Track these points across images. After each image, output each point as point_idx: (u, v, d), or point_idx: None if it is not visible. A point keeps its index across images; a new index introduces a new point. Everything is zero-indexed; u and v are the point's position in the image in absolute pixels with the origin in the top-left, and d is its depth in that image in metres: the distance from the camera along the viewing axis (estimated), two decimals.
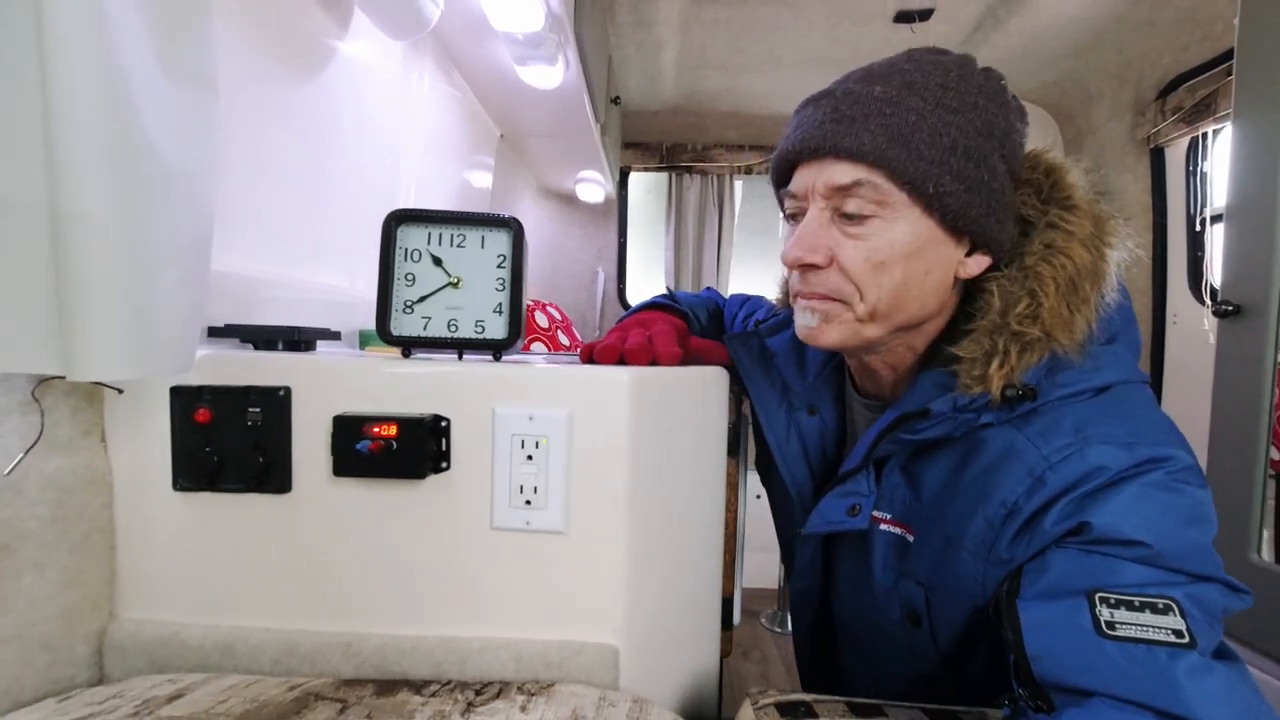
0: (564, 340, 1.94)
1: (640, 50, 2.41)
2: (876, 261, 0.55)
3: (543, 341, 1.85)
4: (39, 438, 0.54)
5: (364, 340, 1.03)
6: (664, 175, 3.20)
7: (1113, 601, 0.45)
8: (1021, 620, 0.47)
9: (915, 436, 0.57)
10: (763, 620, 2.36)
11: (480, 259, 0.65)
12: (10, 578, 0.52)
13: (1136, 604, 0.45)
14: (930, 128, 0.54)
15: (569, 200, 3.13)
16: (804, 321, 0.60)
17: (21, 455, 0.52)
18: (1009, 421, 0.55)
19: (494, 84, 1.68)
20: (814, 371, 0.72)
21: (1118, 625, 0.44)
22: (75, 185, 0.46)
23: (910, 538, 0.60)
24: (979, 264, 0.58)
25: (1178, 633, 0.43)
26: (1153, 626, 0.44)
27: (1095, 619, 0.45)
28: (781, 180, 0.62)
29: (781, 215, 0.64)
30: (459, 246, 0.65)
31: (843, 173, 0.55)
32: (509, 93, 1.72)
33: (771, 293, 0.89)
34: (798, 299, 0.61)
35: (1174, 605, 0.45)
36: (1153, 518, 0.48)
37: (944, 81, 0.55)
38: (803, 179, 0.58)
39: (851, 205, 0.55)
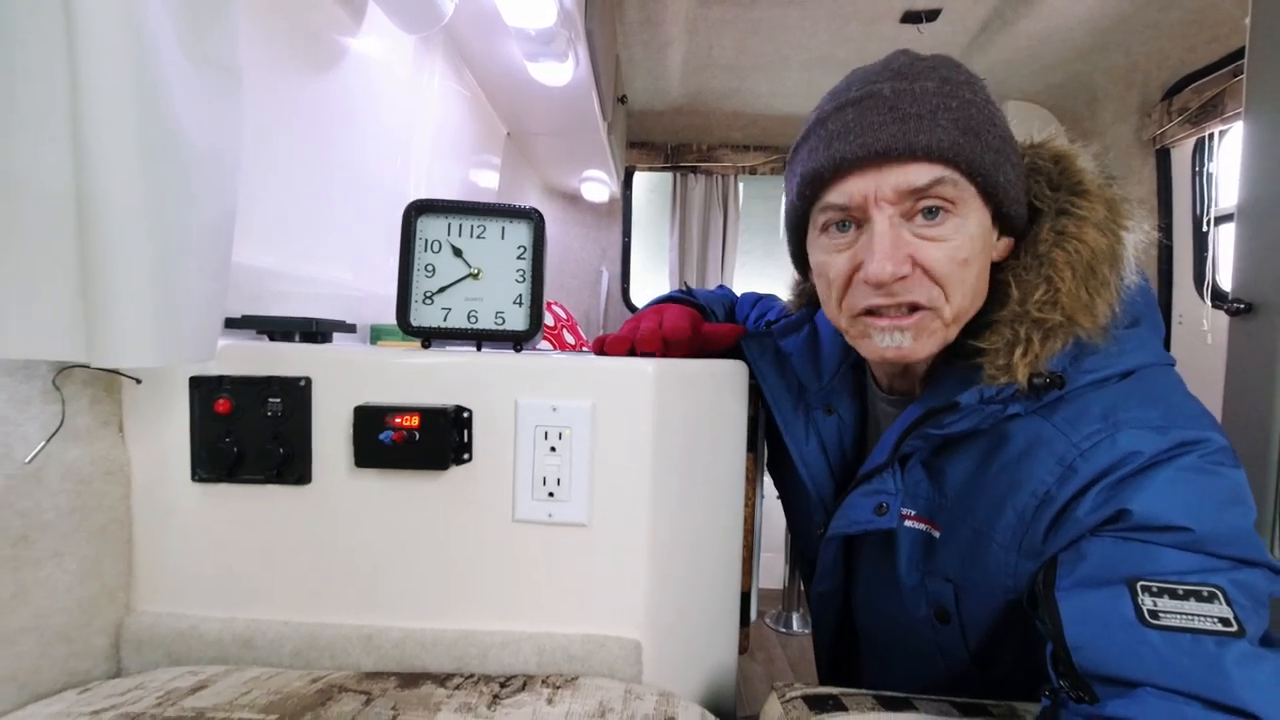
0: (569, 339, 1.93)
1: (647, 49, 2.40)
2: (960, 260, 0.53)
3: (548, 339, 1.84)
4: (60, 426, 0.53)
5: (375, 335, 1.02)
6: (668, 175, 3.20)
7: (1155, 590, 0.44)
8: (1061, 610, 0.46)
9: (942, 431, 0.56)
10: (768, 620, 2.35)
11: (500, 250, 0.65)
12: (30, 567, 0.52)
13: (1180, 592, 0.44)
14: (986, 118, 0.53)
15: (574, 200, 3.13)
16: (891, 342, 0.55)
17: (43, 443, 0.52)
18: (1035, 411, 0.54)
19: (503, 81, 1.67)
20: (830, 371, 0.70)
21: (1161, 614, 0.43)
22: (102, 171, 0.45)
23: (936, 534, 0.58)
24: (1004, 247, 0.58)
25: (1225, 620, 0.42)
26: (1198, 615, 0.43)
27: (1138, 608, 0.44)
28: (814, 193, 0.57)
29: (816, 225, 0.59)
30: (479, 238, 0.65)
31: (919, 173, 0.52)
32: (517, 90, 1.71)
33: (774, 291, 0.88)
34: (872, 317, 0.56)
35: (1219, 592, 0.44)
36: (1191, 502, 0.47)
37: (967, 78, 0.55)
38: (858, 186, 0.53)
39: (928, 205, 0.53)
